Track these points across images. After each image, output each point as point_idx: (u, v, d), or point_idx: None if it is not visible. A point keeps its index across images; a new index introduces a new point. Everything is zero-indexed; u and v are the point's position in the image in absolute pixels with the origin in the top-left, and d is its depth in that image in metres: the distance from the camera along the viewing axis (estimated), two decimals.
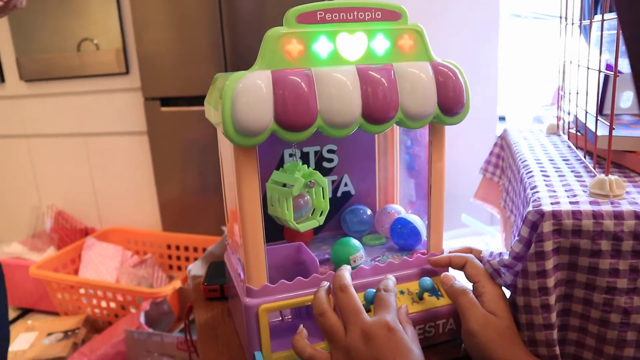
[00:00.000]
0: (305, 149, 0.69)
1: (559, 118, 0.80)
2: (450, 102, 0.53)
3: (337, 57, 0.51)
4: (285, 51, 0.49)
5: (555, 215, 0.47)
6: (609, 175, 0.50)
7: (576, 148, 0.68)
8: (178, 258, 2.04)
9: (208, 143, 1.83)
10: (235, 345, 0.63)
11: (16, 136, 2.24)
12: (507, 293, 0.55)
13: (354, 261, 0.61)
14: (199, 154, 1.89)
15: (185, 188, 1.97)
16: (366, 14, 0.52)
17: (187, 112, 1.85)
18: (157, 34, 1.80)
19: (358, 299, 0.49)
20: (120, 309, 1.72)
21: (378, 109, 0.50)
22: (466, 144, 1.57)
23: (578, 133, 0.68)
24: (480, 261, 0.57)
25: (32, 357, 1.52)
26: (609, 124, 0.52)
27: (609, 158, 0.53)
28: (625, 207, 0.46)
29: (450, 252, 0.61)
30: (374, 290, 0.52)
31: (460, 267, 0.58)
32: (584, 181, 0.55)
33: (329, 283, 0.52)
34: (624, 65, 0.58)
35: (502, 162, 0.87)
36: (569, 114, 0.74)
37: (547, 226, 0.47)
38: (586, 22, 0.64)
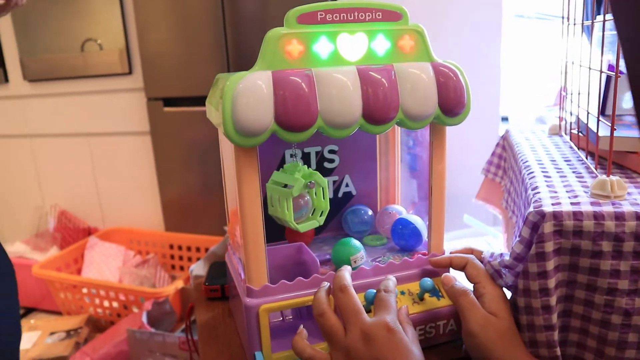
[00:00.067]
0: (306, 150, 0.69)
1: (561, 118, 0.80)
2: (451, 103, 0.53)
3: (338, 57, 0.51)
4: (286, 52, 0.49)
5: (556, 216, 0.47)
6: (610, 176, 0.50)
7: (578, 149, 0.68)
8: (180, 258, 2.05)
9: (210, 143, 1.84)
10: (236, 345, 0.63)
11: (20, 136, 2.25)
12: (508, 294, 0.55)
13: (355, 262, 0.61)
14: (201, 154, 1.90)
15: (188, 188, 1.98)
16: (367, 14, 0.52)
17: (189, 113, 1.86)
18: (160, 34, 1.81)
19: (358, 299, 0.49)
20: (122, 309, 1.72)
21: (378, 109, 0.50)
22: (469, 145, 1.57)
23: (580, 133, 0.68)
24: (481, 262, 0.57)
25: (35, 356, 1.53)
26: (610, 125, 0.52)
27: (610, 159, 0.53)
28: (626, 208, 0.46)
29: (451, 253, 0.61)
30: (375, 291, 0.52)
31: (461, 267, 0.57)
32: (585, 182, 0.55)
33: (329, 284, 0.52)
34: None
35: (504, 162, 0.87)
36: (571, 114, 0.74)
37: (547, 227, 0.47)
38: (588, 22, 0.64)
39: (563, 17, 0.75)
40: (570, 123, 0.73)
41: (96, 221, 2.26)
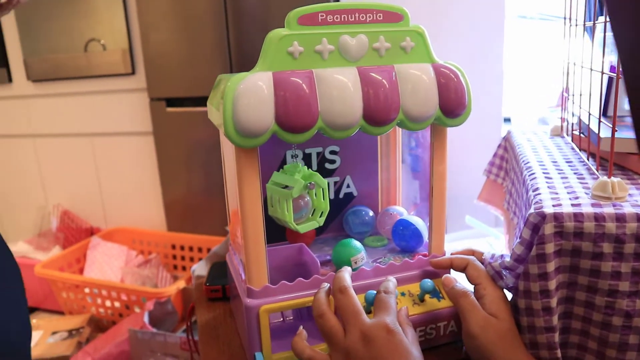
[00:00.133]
0: (307, 150, 0.69)
1: (563, 119, 0.80)
2: (452, 104, 0.53)
3: (339, 58, 0.51)
4: (287, 53, 0.49)
5: (557, 218, 0.47)
6: (612, 178, 0.50)
7: (579, 150, 0.68)
8: (182, 258, 2.05)
9: (213, 143, 1.84)
10: (236, 345, 0.63)
11: (23, 136, 2.26)
12: (509, 295, 0.55)
13: (355, 262, 0.61)
14: (204, 154, 1.90)
15: (191, 188, 1.98)
16: (367, 15, 0.52)
17: (192, 113, 1.86)
18: (163, 34, 1.81)
19: (357, 300, 0.49)
20: (124, 309, 1.73)
21: (379, 110, 0.50)
22: (471, 145, 1.57)
23: (581, 135, 0.67)
24: (482, 263, 0.57)
25: (37, 355, 1.53)
26: (611, 126, 0.51)
27: (612, 160, 0.52)
28: (627, 209, 0.46)
29: (451, 254, 0.61)
30: (375, 292, 0.52)
31: (462, 269, 0.57)
32: (586, 183, 0.55)
33: (329, 284, 0.52)
34: None
35: (506, 163, 0.87)
36: (572, 115, 0.73)
37: (548, 228, 0.47)
38: (590, 23, 0.63)
39: (565, 18, 0.75)
40: (572, 124, 0.73)
41: (99, 221, 2.26)
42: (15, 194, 2.38)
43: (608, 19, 0.48)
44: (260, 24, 1.69)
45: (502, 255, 0.55)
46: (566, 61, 0.76)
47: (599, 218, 0.46)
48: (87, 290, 1.77)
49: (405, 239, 0.66)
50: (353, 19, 0.51)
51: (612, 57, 0.59)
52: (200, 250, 1.99)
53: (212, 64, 1.77)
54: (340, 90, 0.49)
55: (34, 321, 1.74)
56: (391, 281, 0.53)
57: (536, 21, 1.90)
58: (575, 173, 0.59)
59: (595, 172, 0.57)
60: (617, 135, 0.52)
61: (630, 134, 0.60)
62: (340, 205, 0.74)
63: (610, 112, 0.74)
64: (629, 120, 0.71)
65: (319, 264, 0.60)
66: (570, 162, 0.64)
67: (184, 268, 2.05)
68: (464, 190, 1.31)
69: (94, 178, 2.20)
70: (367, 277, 0.59)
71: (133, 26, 1.92)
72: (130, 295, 1.69)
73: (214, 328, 0.68)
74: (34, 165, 2.29)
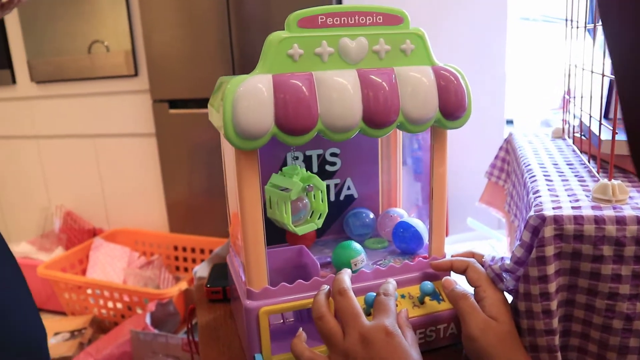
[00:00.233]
0: (308, 153, 0.69)
1: (564, 122, 0.80)
2: (452, 106, 0.53)
3: (338, 61, 0.51)
4: (287, 55, 0.49)
5: (557, 220, 0.47)
6: (612, 180, 0.50)
7: (580, 152, 0.67)
8: (185, 259, 2.05)
9: (216, 145, 1.83)
10: (236, 347, 0.63)
11: (26, 137, 2.27)
12: (510, 298, 0.54)
13: (355, 265, 0.61)
14: (206, 156, 1.91)
15: (193, 190, 1.98)
16: (367, 18, 0.52)
17: (195, 115, 1.87)
18: (166, 36, 1.82)
19: (357, 302, 0.49)
20: (126, 310, 1.73)
21: (379, 112, 0.50)
22: (473, 148, 1.57)
23: (583, 137, 0.67)
24: (482, 266, 0.57)
25: None
26: (612, 128, 0.51)
27: (612, 162, 0.52)
28: (627, 212, 0.46)
29: (452, 257, 0.61)
30: (375, 294, 0.52)
31: (462, 271, 0.57)
32: (587, 186, 0.55)
33: (328, 287, 0.52)
34: None
35: (507, 166, 0.87)
36: (574, 117, 0.73)
37: (548, 231, 0.47)
38: (591, 25, 0.63)
39: (566, 20, 0.75)
40: (574, 126, 0.73)
41: (101, 222, 2.27)
42: (18, 195, 2.39)
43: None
44: (263, 26, 1.69)
45: (502, 258, 0.55)
46: (567, 63, 0.76)
47: (599, 221, 0.46)
48: (89, 291, 1.78)
49: (405, 241, 0.66)
50: (353, 22, 0.51)
51: None
52: (202, 251, 2.00)
53: (215, 66, 1.78)
54: (340, 92, 0.49)
55: None
56: (391, 283, 0.53)
57: (539, 23, 1.89)
58: (576, 175, 0.59)
59: (596, 174, 0.57)
60: (617, 137, 0.52)
61: None
62: (340, 207, 0.74)
63: (612, 115, 0.74)
64: None
65: (319, 266, 0.60)
66: (571, 164, 0.64)
67: (186, 269, 2.05)
68: (466, 192, 1.31)
69: (97, 179, 2.21)
70: (366, 279, 0.59)
71: (136, 28, 1.93)
72: (133, 297, 1.69)
73: (215, 329, 0.68)
74: (38, 166, 2.30)
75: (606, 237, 0.46)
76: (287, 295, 0.55)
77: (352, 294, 0.49)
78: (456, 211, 1.63)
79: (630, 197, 0.50)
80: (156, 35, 1.83)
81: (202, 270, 0.87)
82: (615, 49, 0.24)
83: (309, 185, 0.56)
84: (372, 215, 0.73)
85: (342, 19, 0.51)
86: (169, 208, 2.05)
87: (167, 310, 1.61)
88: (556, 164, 0.64)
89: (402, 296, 0.59)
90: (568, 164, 0.64)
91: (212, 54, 1.77)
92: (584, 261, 0.47)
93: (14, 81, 2.19)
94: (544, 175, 0.60)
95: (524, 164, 0.67)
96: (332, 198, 0.72)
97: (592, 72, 0.59)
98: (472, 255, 0.61)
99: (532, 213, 0.48)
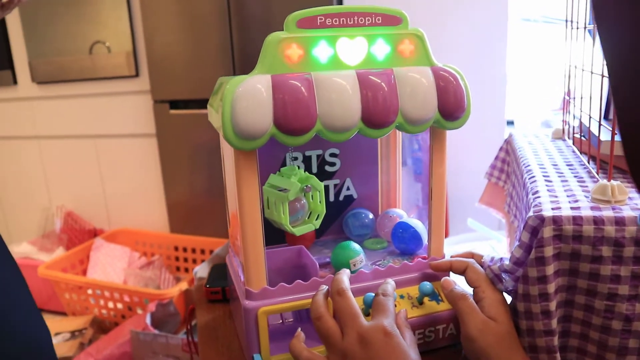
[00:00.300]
0: (307, 153, 0.69)
1: (564, 122, 0.80)
2: (451, 107, 0.53)
3: (337, 61, 0.52)
4: (285, 56, 0.50)
5: (556, 221, 0.47)
6: (611, 181, 0.50)
7: (580, 153, 0.67)
8: (185, 260, 2.05)
9: (216, 146, 1.83)
10: (235, 347, 0.63)
11: (27, 137, 2.27)
12: (509, 299, 0.54)
13: (354, 265, 0.61)
14: (207, 156, 1.91)
15: (193, 190, 1.99)
16: (366, 19, 0.52)
17: (195, 115, 1.87)
18: (167, 37, 1.82)
19: (355, 303, 0.49)
20: (127, 310, 1.73)
21: (378, 113, 0.50)
22: (474, 148, 1.57)
23: (582, 138, 0.67)
24: (482, 266, 0.57)
25: None
26: (611, 129, 0.51)
27: (612, 163, 0.52)
28: (626, 212, 0.46)
29: (451, 257, 0.61)
30: (374, 295, 0.52)
31: (461, 271, 0.57)
32: (586, 186, 0.55)
33: (327, 287, 0.52)
34: None
35: (507, 166, 0.87)
36: (574, 118, 0.73)
37: (547, 231, 0.47)
38: (591, 26, 0.63)
39: (567, 21, 0.75)
40: (574, 127, 0.73)
41: (102, 222, 2.27)
42: (19, 195, 2.39)
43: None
44: (264, 27, 1.69)
45: (501, 259, 0.55)
46: (568, 64, 0.76)
47: (598, 221, 0.46)
48: (90, 291, 1.78)
49: (404, 241, 0.66)
50: (352, 22, 0.51)
51: None
52: (202, 252, 2.00)
53: (216, 67, 1.78)
54: (338, 93, 0.49)
55: None
56: (390, 284, 0.53)
57: (540, 24, 1.89)
58: (575, 176, 0.59)
59: (596, 175, 0.57)
60: (617, 138, 0.52)
61: None
62: (340, 207, 0.74)
63: (611, 116, 0.74)
64: None
65: (318, 266, 0.60)
66: (571, 165, 0.64)
67: (186, 270, 2.05)
68: (467, 193, 1.30)
69: (98, 180, 2.21)
70: (365, 279, 0.59)
71: (137, 29, 1.93)
72: (133, 297, 1.69)
73: (214, 329, 0.68)
74: (39, 167, 2.30)
75: (605, 237, 0.46)
76: (286, 295, 0.55)
77: (350, 294, 0.49)
78: (456, 212, 1.62)
79: (629, 197, 0.50)
80: (157, 36, 1.83)
81: (202, 270, 0.87)
82: (610, 51, 0.24)
83: (306, 186, 0.56)
84: (371, 216, 0.73)
85: (341, 19, 0.51)
86: (170, 208, 2.06)
87: (168, 311, 1.62)
88: (556, 165, 0.64)
89: (401, 296, 0.59)
90: (568, 165, 0.64)
91: (213, 55, 1.77)
92: (583, 262, 0.47)
93: (15, 82, 2.19)
94: (544, 176, 0.60)
95: (524, 164, 0.67)
96: (332, 198, 0.72)
97: (592, 73, 0.59)
98: (471, 255, 0.61)
99: (531, 213, 0.48)
